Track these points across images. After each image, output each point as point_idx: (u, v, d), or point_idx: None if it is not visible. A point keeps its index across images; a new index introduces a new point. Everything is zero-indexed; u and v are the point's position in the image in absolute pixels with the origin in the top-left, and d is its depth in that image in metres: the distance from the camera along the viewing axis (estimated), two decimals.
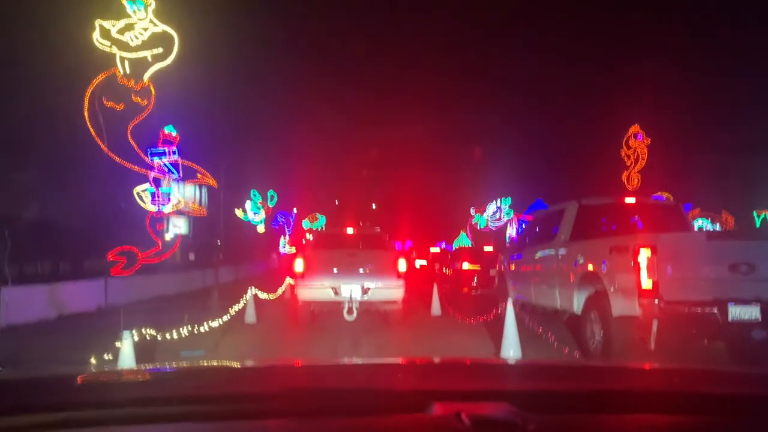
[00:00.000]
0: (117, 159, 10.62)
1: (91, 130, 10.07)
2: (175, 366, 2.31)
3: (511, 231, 32.88)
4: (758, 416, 1.50)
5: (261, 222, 33.95)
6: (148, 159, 11.26)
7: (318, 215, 46.08)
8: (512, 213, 33.06)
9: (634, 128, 23.56)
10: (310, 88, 79.31)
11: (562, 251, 7.85)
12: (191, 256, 41.65)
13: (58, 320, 11.17)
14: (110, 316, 11.39)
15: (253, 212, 33.19)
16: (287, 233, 39.73)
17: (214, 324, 7.46)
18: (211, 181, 13.14)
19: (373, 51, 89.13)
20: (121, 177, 13.93)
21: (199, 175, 12.75)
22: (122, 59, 11.74)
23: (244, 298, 10.41)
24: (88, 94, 10.45)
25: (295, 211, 42.79)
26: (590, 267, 6.79)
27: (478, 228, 33.88)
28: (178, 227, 50.04)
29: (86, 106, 10.27)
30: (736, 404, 1.55)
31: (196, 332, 6.57)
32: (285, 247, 39.37)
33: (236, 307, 9.60)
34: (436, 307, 12.20)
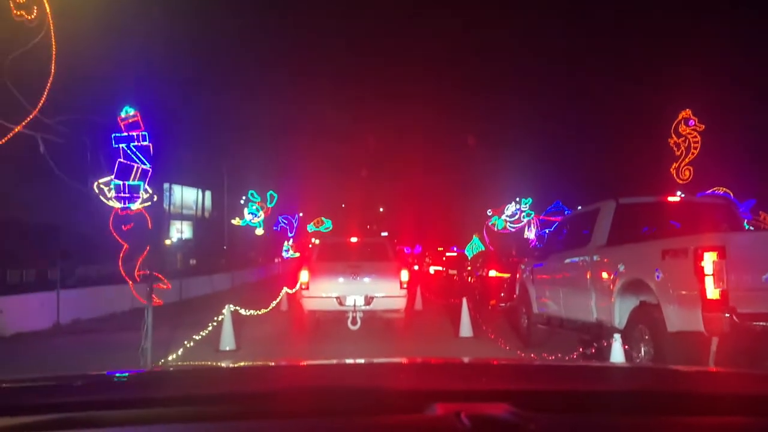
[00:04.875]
0: None
1: None
2: (174, 367, 2.41)
3: (529, 234, 30.89)
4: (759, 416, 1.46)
5: (259, 224, 32.07)
6: (39, 114, 7.10)
7: (324, 219, 45.19)
8: (533, 214, 30.95)
9: (686, 113, 20.78)
10: (316, 92, 77.84)
11: (597, 257, 7.21)
12: (192, 262, 40.05)
13: None
14: (58, 339, 9.39)
15: (250, 214, 31.25)
16: (290, 236, 37.84)
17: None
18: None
19: (382, 49, 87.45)
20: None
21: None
22: None
23: (216, 319, 8.13)
24: None
25: (301, 214, 41.11)
26: (636, 274, 6.21)
27: (496, 230, 31.67)
28: (180, 232, 48.33)
29: None
30: (738, 404, 1.52)
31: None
32: (289, 251, 37.57)
33: (204, 332, 7.29)
34: (466, 328, 10.10)
